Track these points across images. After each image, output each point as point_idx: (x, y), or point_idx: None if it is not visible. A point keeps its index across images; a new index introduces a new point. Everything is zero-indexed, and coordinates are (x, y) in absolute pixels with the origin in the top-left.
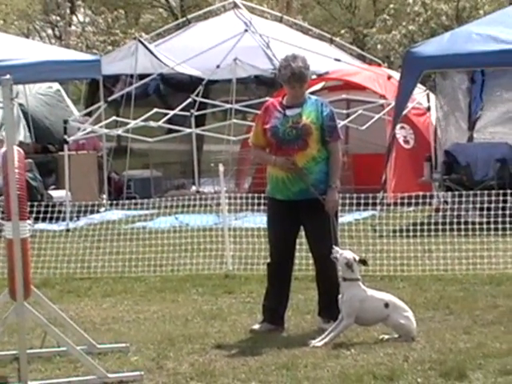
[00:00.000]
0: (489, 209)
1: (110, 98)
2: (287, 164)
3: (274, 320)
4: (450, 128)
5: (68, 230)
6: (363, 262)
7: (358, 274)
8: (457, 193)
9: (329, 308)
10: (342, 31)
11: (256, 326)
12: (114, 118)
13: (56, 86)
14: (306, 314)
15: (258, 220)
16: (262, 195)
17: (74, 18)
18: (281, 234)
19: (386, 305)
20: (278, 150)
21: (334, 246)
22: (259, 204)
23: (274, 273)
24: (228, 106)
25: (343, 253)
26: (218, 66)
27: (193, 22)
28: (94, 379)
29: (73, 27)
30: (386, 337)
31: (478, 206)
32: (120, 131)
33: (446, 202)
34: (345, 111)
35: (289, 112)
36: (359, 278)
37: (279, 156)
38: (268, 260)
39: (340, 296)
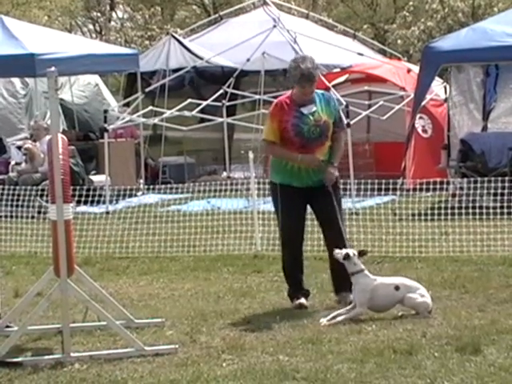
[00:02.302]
0: (502, 194)
1: (147, 90)
2: (314, 162)
3: (304, 293)
4: (465, 118)
5: (108, 213)
6: (363, 252)
7: (361, 265)
8: (472, 179)
9: (346, 279)
10: (365, 27)
11: (302, 301)
12: (150, 107)
13: (94, 81)
14: (329, 292)
15: None
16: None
17: (114, 14)
18: (297, 218)
19: (397, 287)
20: (302, 147)
21: (335, 249)
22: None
23: (294, 254)
24: (257, 96)
25: (343, 251)
26: (248, 60)
27: (224, 18)
28: (132, 351)
29: (112, 23)
30: (404, 313)
31: (491, 191)
32: (156, 120)
33: (461, 188)
34: (367, 102)
35: (304, 110)
36: (363, 269)
37: (302, 153)
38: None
39: (353, 287)
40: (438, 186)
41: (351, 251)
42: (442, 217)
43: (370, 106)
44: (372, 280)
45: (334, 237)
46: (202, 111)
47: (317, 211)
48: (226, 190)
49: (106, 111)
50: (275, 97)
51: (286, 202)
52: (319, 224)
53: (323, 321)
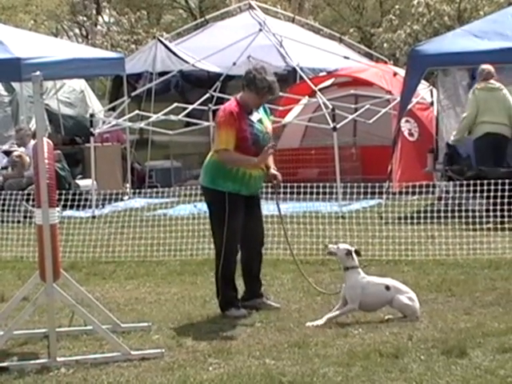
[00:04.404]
0: (488, 197)
1: (133, 94)
2: (266, 155)
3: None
4: (451, 121)
5: (94, 217)
6: (357, 252)
7: (357, 261)
8: (458, 182)
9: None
10: (351, 30)
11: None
12: (136, 111)
13: (79, 87)
14: (316, 296)
15: (272, 208)
16: (269, 184)
17: (100, 18)
18: (239, 227)
19: (387, 287)
20: (256, 156)
21: (328, 244)
22: (272, 193)
23: (235, 261)
24: None
25: (339, 245)
26: (234, 64)
27: (210, 22)
28: (118, 356)
29: (98, 27)
30: (391, 316)
31: (477, 194)
32: (142, 124)
33: (447, 191)
34: (353, 106)
35: (252, 118)
36: (358, 266)
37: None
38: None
39: (343, 284)
40: (424, 190)
41: (349, 247)
42: (429, 220)
43: (356, 110)
44: (363, 278)
45: (262, 235)
46: (188, 115)
47: (250, 212)
48: None
49: (92, 115)
50: None
51: (234, 210)
52: (248, 222)
53: (309, 325)
